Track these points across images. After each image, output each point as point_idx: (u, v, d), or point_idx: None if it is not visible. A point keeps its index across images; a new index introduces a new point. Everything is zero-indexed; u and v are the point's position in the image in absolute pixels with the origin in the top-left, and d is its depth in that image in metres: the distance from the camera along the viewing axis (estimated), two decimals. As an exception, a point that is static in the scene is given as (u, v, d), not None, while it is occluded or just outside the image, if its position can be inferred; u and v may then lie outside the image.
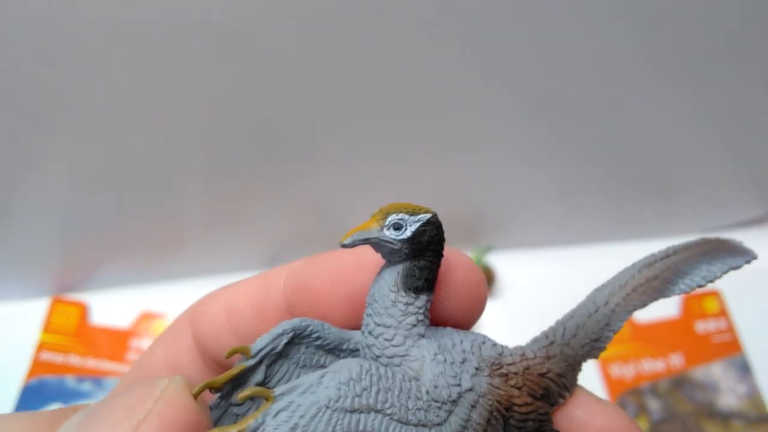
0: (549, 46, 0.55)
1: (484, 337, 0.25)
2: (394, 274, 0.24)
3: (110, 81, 0.53)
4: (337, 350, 0.25)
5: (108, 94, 0.54)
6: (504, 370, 0.24)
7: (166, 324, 0.72)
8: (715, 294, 0.72)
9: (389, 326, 0.23)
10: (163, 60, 0.52)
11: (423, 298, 0.24)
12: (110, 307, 0.74)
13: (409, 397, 0.22)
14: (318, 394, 0.21)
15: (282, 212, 0.70)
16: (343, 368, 0.21)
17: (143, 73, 0.53)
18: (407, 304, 0.23)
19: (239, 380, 0.24)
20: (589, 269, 0.75)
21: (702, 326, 0.71)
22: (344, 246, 0.23)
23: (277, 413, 0.20)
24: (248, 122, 0.59)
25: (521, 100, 0.60)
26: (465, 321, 0.26)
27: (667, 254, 0.26)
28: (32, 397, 0.67)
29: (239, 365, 0.23)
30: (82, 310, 0.73)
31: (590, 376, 0.68)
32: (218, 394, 0.24)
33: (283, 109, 0.58)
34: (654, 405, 0.67)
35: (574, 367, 0.25)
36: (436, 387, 0.22)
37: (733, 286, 0.72)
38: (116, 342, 0.72)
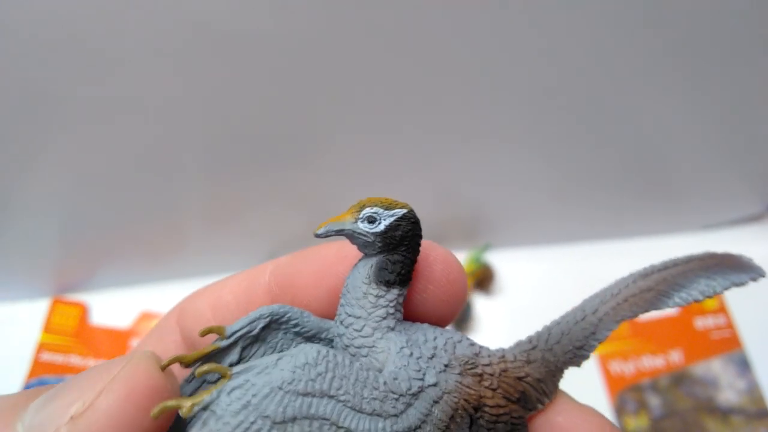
0: (547, 44, 0.55)
1: (462, 336, 0.25)
2: (367, 267, 0.24)
3: (109, 83, 0.53)
4: (315, 339, 0.25)
5: (107, 95, 0.54)
6: (478, 370, 0.24)
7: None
8: (714, 290, 0.72)
9: (359, 317, 0.24)
10: (161, 62, 0.52)
11: (394, 291, 0.24)
12: (110, 308, 0.74)
13: (365, 386, 0.22)
14: (272, 375, 0.21)
15: (280, 212, 0.70)
16: (300, 352, 0.22)
17: (142, 74, 0.53)
18: (378, 297, 0.24)
19: (214, 359, 0.24)
20: (588, 266, 0.75)
21: (701, 322, 0.71)
22: (317, 236, 0.24)
23: (231, 390, 0.20)
24: (246, 124, 0.59)
25: (520, 98, 0.60)
26: (444, 314, 0.26)
27: (665, 266, 0.25)
28: (33, 397, 0.67)
29: (213, 344, 0.24)
30: (82, 311, 0.73)
31: (590, 372, 0.68)
32: (192, 369, 0.24)
33: (280, 110, 0.58)
34: (654, 401, 0.67)
35: (555, 374, 0.25)
36: (395, 379, 0.22)
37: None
38: (116, 342, 0.72)
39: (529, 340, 0.25)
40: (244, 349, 0.25)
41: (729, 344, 0.69)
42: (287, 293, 0.27)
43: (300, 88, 0.56)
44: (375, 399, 0.22)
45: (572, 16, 0.53)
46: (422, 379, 0.23)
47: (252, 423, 0.20)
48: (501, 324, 0.71)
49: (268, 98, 0.57)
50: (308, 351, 0.22)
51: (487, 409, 0.23)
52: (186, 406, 0.20)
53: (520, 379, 0.24)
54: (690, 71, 0.59)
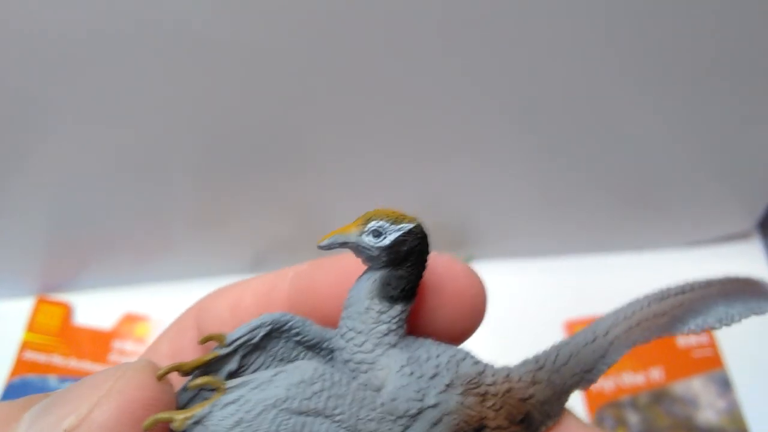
0: (537, 57, 0.55)
1: (466, 353, 0.24)
2: (371, 281, 0.24)
3: (98, 83, 0.53)
4: (317, 348, 0.25)
5: (95, 95, 0.54)
6: (482, 390, 0.23)
7: (149, 326, 0.73)
8: (697, 308, 0.73)
9: (360, 332, 0.23)
10: (151, 64, 0.52)
11: (398, 307, 0.23)
12: (94, 308, 0.74)
13: (362, 407, 0.21)
14: (267, 392, 0.20)
15: (267, 216, 0.70)
16: (297, 369, 0.21)
17: (131, 75, 0.53)
18: (380, 312, 0.23)
19: (212, 367, 0.24)
20: (573, 281, 0.76)
21: (683, 340, 0.70)
22: (321, 248, 0.23)
23: (225, 405, 0.20)
24: (236, 126, 0.59)
25: (507, 109, 0.60)
26: (462, 331, 0.26)
27: (683, 290, 0.24)
28: (15, 396, 0.67)
29: (212, 353, 0.23)
30: (66, 311, 0.73)
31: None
32: (190, 377, 0.24)
33: (269, 114, 0.58)
34: (633, 418, 0.67)
35: (561, 396, 0.24)
36: (393, 400, 0.22)
37: (716, 301, 0.72)
38: (99, 343, 0.72)
39: (536, 359, 0.24)
40: (243, 357, 0.24)
41: (710, 363, 0.69)
42: (307, 301, 0.26)
43: (289, 95, 0.56)
44: (371, 420, 0.21)
45: (560, 30, 0.53)
46: (422, 400, 0.22)
47: None
48: (482, 336, 0.71)
49: (256, 103, 0.57)
50: (305, 368, 0.21)
51: (489, 430, 0.23)
52: (178, 419, 0.20)
53: (524, 400, 0.23)
54: (678, 86, 0.59)
